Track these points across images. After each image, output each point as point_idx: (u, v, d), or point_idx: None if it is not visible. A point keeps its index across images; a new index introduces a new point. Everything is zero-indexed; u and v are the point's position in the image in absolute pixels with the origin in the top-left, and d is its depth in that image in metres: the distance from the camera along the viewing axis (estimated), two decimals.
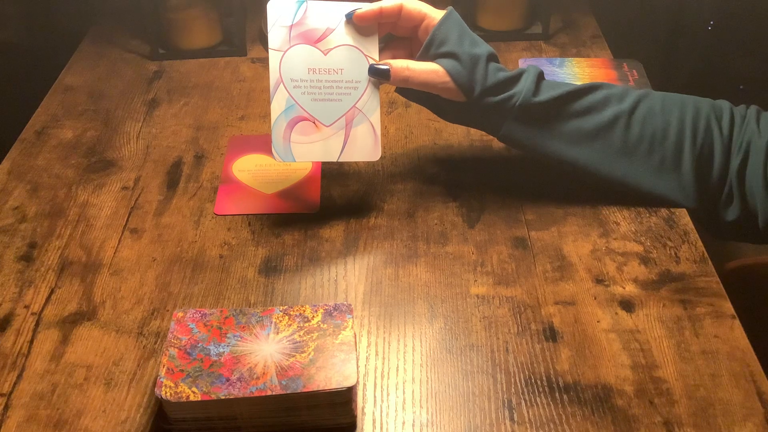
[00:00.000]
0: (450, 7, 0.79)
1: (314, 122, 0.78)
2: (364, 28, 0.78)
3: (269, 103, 0.78)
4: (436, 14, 0.78)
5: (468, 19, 0.81)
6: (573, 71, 1.06)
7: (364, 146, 0.79)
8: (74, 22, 1.27)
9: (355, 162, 0.90)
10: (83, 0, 1.26)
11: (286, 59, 0.77)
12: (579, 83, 0.80)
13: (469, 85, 0.77)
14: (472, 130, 0.95)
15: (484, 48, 0.78)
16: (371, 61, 0.78)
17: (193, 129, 0.99)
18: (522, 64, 1.09)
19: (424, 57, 0.78)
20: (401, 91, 0.83)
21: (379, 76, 0.78)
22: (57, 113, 1.03)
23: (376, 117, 0.79)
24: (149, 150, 0.95)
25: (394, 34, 0.81)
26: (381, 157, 0.91)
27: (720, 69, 1.40)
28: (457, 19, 0.78)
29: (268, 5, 0.77)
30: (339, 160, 0.79)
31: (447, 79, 0.77)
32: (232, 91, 1.06)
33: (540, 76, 0.79)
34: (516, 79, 0.78)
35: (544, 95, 0.78)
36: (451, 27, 0.77)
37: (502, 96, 0.78)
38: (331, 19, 0.78)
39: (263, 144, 0.93)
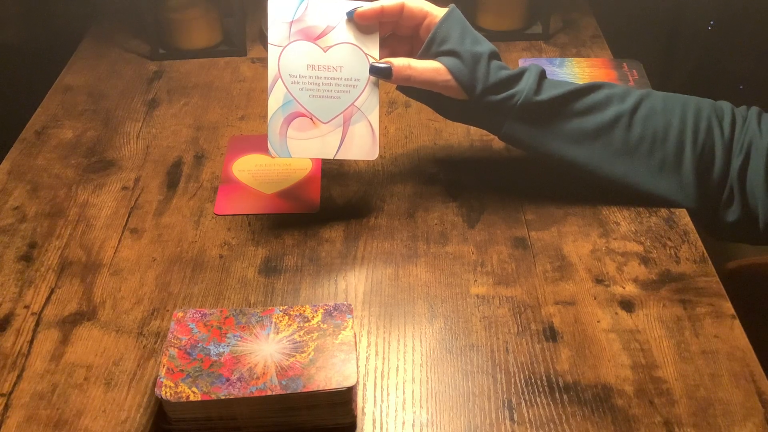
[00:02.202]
0: (452, 5, 0.79)
1: (311, 118, 0.78)
2: (365, 27, 0.78)
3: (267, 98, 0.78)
4: (438, 12, 0.78)
5: (468, 19, 0.81)
6: (573, 71, 1.06)
7: (361, 145, 0.79)
8: (74, 22, 1.27)
9: (355, 161, 0.90)
10: (83, 0, 1.26)
11: (285, 55, 0.77)
12: (580, 83, 0.80)
13: (470, 83, 0.77)
14: (472, 130, 0.95)
15: (485, 46, 0.78)
16: (371, 60, 0.78)
17: (193, 129, 0.99)
18: (522, 64, 1.09)
19: (426, 55, 0.78)
20: (402, 88, 0.82)
21: (380, 74, 0.78)
22: (57, 113, 1.03)
23: (374, 116, 0.79)
24: (149, 150, 0.95)
25: (396, 32, 0.81)
26: (381, 157, 0.91)
27: (720, 69, 1.40)
28: (459, 17, 0.78)
29: (269, 1, 0.77)
30: (335, 158, 0.79)
31: (448, 77, 0.77)
32: (232, 91, 1.06)
33: (542, 75, 0.79)
34: (518, 77, 0.78)
35: (546, 94, 0.78)
36: (453, 25, 0.77)
37: (504, 94, 0.77)
38: (332, 16, 0.78)
39: (263, 144, 0.93)
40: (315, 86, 0.78)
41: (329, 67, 0.78)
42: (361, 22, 0.78)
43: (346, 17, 0.78)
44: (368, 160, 0.85)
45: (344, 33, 0.78)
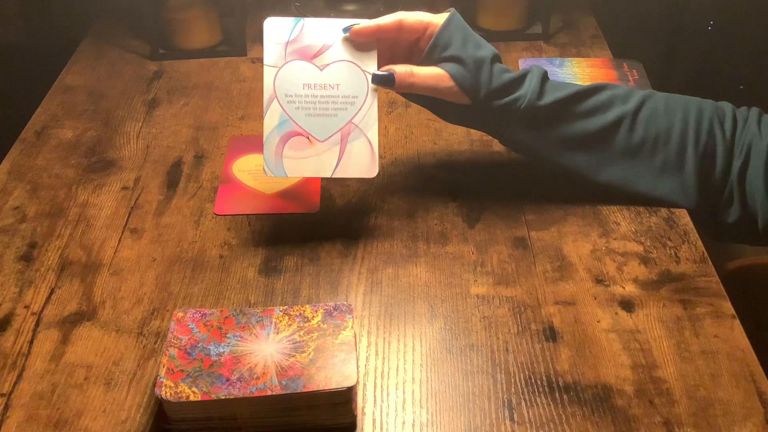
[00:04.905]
0: (452, 10, 0.78)
1: (308, 137, 0.77)
2: (362, 44, 0.77)
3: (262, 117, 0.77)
4: (438, 20, 0.77)
5: (468, 19, 0.80)
6: (573, 71, 1.06)
7: (359, 162, 0.77)
8: (74, 22, 1.27)
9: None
10: (83, 0, 1.26)
11: (281, 75, 0.77)
12: (582, 83, 0.80)
13: (473, 88, 0.76)
14: (473, 130, 0.95)
15: (488, 50, 0.77)
16: (369, 76, 0.77)
17: (193, 129, 0.99)
18: (522, 64, 1.09)
19: (428, 61, 0.77)
20: (403, 92, 0.82)
21: (382, 83, 0.76)
22: (57, 113, 1.03)
23: (373, 133, 0.77)
24: (149, 150, 0.95)
25: (396, 46, 0.79)
26: (381, 157, 0.91)
27: (720, 69, 1.40)
28: (460, 22, 0.78)
29: (265, 23, 0.77)
30: (333, 176, 0.77)
31: (451, 83, 0.76)
32: (232, 91, 1.06)
33: (544, 77, 0.79)
34: (520, 80, 0.78)
35: (549, 98, 0.77)
36: (455, 30, 0.77)
37: (507, 99, 0.77)
38: (328, 36, 0.77)
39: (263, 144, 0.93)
40: (311, 105, 0.77)
41: (325, 86, 0.77)
42: (357, 40, 0.77)
43: (342, 34, 0.77)
44: (365, 177, 0.81)
45: (340, 51, 0.77)
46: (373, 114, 0.78)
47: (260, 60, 1.13)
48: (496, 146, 0.93)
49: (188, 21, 1.13)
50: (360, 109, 0.77)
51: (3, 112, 1.16)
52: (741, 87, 1.39)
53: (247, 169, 0.90)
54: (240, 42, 1.15)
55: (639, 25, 1.37)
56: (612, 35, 1.18)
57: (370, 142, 0.77)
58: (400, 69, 0.76)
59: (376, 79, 0.77)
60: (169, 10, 1.12)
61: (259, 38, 1.18)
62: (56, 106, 1.04)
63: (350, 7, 1.16)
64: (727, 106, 0.81)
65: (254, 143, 0.94)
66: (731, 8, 1.35)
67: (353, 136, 0.77)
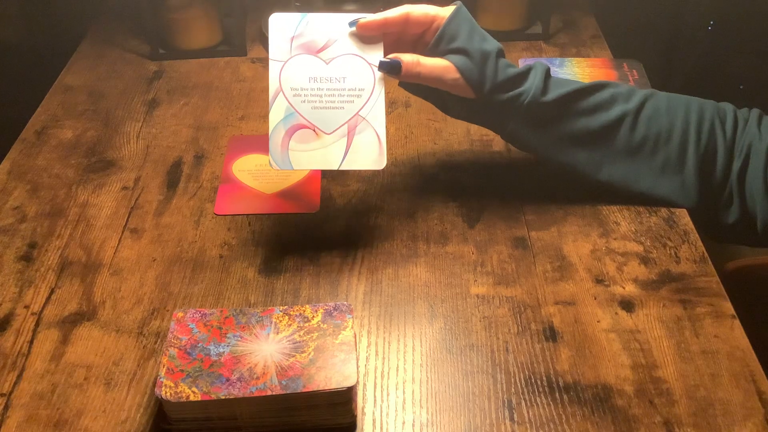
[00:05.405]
0: (459, 3, 0.78)
1: (314, 130, 0.76)
2: (368, 38, 0.77)
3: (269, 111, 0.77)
4: (444, 13, 0.77)
5: None
6: (573, 71, 1.06)
7: (367, 154, 0.77)
8: (74, 22, 1.27)
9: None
10: (83, 0, 1.26)
11: (287, 69, 0.77)
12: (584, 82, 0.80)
13: (479, 81, 0.76)
14: (472, 130, 0.95)
15: (493, 44, 0.77)
16: (375, 68, 0.77)
17: (193, 129, 0.99)
18: (522, 64, 1.09)
19: (434, 53, 0.77)
20: (405, 85, 0.81)
21: (389, 70, 0.76)
22: (57, 113, 1.03)
23: (380, 125, 0.77)
24: (149, 150, 0.95)
25: (401, 40, 0.79)
26: None
27: (720, 69, 1.40)
28: (466, 15, 0.77)
29: (270, 19, 0.77)
30: (340, 169, 0.77)
31: (457, 75, 0.76)
32: (232, 91, 1.06)
33: (547, 74, 0.79)
34: (524, 76, 0.77)
35: (552, 94, 0.77)
36: (461, 23, 0.77)
37: (511, 94, 0.77)
38: (334, 30, 0.77)
39: (263, 144, 0.93)
40: (317, 98, 0.76)
41: (332, 79, 0.76)
42: (363, 33, 0.77)
43: (348, 28, 0.77)
44: (373, 170, 0.81)
45: (347, 44, 0.77)
46: (380, 106, 0.77)
47: (260, 60, 1.14)
48: (497, 146, 0.93)
49: (188, 21, 1.13)
50: (367, 102, 0.77)
51: (3, 112, 1.16)
52: (741, 87, 1.39)
53: (247, 169, 0.90)
54: (240, 42, 1.15)
55: (639, 25, 1.37)
56: (612, 35, 1.19)
57: (377, 134, 0.77)
58: (407, 57, 0.76)
59: (383, 66, 0.76)
60: (169, 10, 1.12)
61: (259, 38, 1.18)
62: (56, 106, 1.04)
63: (350, 7, 1.16)
64: (728, 107, 0.81)
65: (254, 143, 0.94)
66: (731, 8, 1.35)
67: (360, 128, 0.77)
